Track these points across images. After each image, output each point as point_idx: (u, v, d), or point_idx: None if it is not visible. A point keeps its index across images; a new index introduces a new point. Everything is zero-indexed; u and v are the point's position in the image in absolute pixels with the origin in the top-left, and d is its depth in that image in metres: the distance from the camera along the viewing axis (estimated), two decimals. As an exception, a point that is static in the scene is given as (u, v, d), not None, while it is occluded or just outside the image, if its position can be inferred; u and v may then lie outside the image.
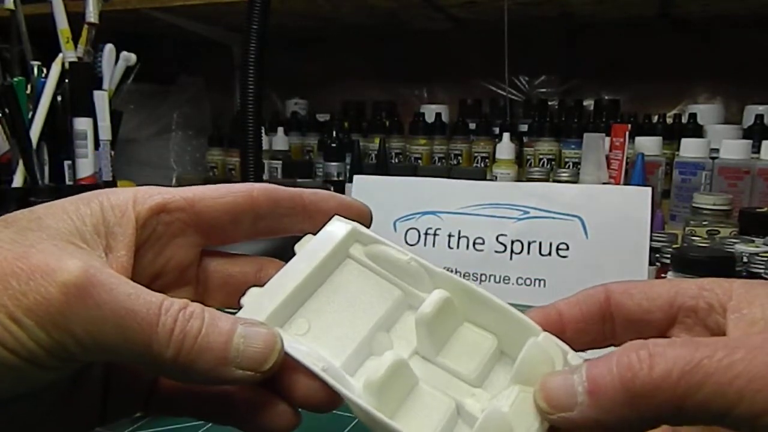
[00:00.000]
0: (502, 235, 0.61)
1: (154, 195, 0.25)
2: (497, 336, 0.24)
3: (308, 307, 0.25)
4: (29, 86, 0.76)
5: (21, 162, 0.73)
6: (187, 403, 0.26)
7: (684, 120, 1.19)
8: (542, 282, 0.59)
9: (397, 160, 1.29)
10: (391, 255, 0.25)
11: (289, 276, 0.25)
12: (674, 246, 0.65)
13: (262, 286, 0.25)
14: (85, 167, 0.78)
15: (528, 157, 1.19)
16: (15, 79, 0.75)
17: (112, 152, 0.85)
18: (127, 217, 0.24)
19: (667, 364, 0.18)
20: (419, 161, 1.27)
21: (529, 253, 0.60)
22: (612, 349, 0.26)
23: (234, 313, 0.24)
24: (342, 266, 0.26)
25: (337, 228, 0.26)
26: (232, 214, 0.26)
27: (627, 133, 0.94)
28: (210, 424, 0.34)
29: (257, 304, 0.24)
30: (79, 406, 0.25)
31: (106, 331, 0.20)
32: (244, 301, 0.25)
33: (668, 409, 0.18)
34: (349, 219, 0.27)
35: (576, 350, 0.25)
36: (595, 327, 0.25)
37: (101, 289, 0.20)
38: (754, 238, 0.66)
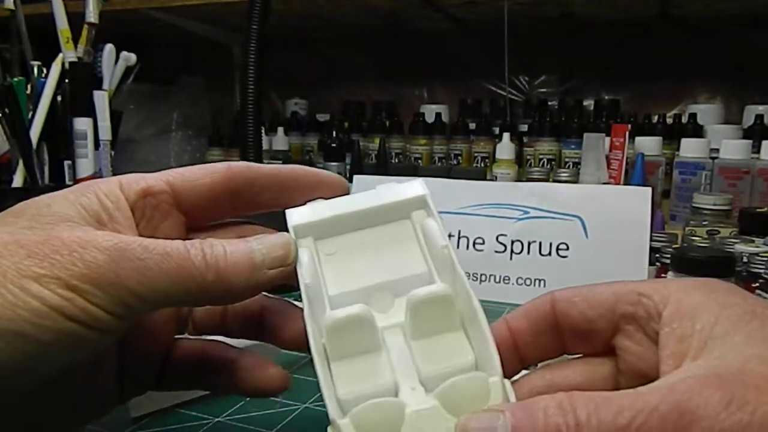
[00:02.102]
0: (502, 235, 0.61)
1: (138, 180, 0.26)
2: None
3: (351, 236, 0.27)
4: (29, 86, 0.76)
5: (21, 162, 0.73)
6: (197, 375, 0.29)
7: (684, 120, 1.19)
8: (542, 282, 0.59)
9: (397, 160, 1.29)
10: (432, 234, 0.26)
11: (352, 202, 0.27)
12: (674, 246, 0.65)
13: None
14: (85, 167, 0.78)
15: (528, 157, 1.19)
16: (15, 79, 0.75)
17: (112, 152, 0.85)
18: (121, 202, 0.25)
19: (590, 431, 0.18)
20: (419, 161, 1.27)
21: (529, 253, 0.60)
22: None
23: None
24: (398, 222, 0.27)
25: (414, 188, 0.28)
26: (210, 194, 0.27)
27: (627, 133, 0.94)
28: (210, 424, 0.34)
29: (313, 209, 0.27)
30: (99, 388, 0.26)
31: (154, 277, 0.22)
32: (308, 204, 0.27)
33: None
34: (326, 194, 0.28)
35: (530, 365, 0.26)
36: (545, 339, 0.25)
37: (136, 246, 0.22)
38: (754, 238, 0.66)
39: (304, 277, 0.25)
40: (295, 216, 0.27)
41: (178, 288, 0.23)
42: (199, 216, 0.28)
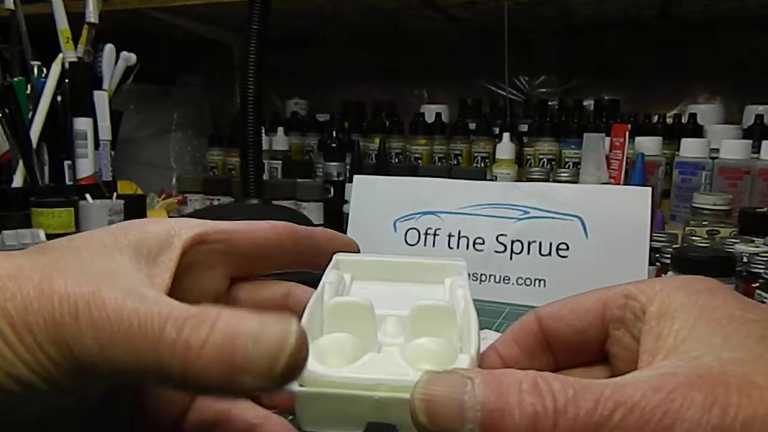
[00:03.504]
0: (502, 235, 0.61)
1: (193, 226, 0.26)
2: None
3: (385, 282, 0.29)
4: (29, 86, 0.76)
5: (21, 162, 0.73)
6: None
7: (684, 120, 1.19)
8: (542, 282, 0.59)
9: (397, 160, 1.29)
10: (455, 287, 0.28)
11: (395, 257, 0.30)
12: (674, 246, 0.65)
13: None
14: (85, 167, 0.78)
15: (528, 157, 1.19)
16: (15, 79, 0.75)
17: (112, 152, 0.85)
18: (169, 246, 0.24)
19: (567, 422, 0.17)
20: (419, 161, 1.27)
21: (529, 253, 0.60)
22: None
23: None
24: (432, 283, 0.30)
25: (454, 260, 0.30)
26: (262, 247, 0.28)
27: (627, 133, 0.94)
28: None
29: (359, 255, 0.30)
30: None
31: (107, 338, 0.18)
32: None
33: None
34: (344, 251, 0.30)
35: None
36: (538, 360, 0.25)
37: (110, 304, 0.19)
38: (754, 238, 0.66)
39: (328, 276, 0.26)
40: (341, 255, 0.29)
41: (138, 366, 0.18)
42: (247, 268, 0.28)
